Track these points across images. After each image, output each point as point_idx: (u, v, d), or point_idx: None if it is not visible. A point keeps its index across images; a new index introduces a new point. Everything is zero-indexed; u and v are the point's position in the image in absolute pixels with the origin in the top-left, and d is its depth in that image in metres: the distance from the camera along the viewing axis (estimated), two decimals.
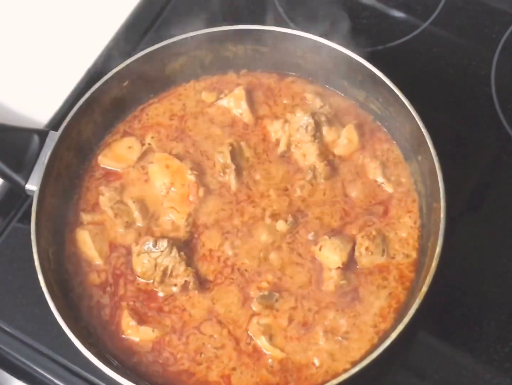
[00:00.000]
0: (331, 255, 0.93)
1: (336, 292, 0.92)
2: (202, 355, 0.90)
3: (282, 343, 0.90)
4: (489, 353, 0.94)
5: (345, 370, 0.83)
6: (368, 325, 0.90)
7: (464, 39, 1.16)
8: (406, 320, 0.83)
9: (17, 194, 1.03)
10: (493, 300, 0.97)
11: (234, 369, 0.89)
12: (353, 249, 0.94)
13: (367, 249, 0.94)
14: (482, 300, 0.97)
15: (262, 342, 0.90)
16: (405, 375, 0.95)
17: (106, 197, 0.99)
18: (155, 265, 0.92)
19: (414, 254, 0.94)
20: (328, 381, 0.82)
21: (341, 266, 0.93)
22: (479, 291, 0.98)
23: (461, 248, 0.99)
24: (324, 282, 0.93)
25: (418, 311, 0.84)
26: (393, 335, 0.82)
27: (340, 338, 0.89)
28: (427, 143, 0.93)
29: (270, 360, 0.89)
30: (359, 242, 0.94)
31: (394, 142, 1.02)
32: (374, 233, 0.95)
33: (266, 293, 0.92)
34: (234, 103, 1.06)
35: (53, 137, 0.97)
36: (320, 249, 0.94)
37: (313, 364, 0.89)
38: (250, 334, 0.91)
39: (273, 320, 0.91)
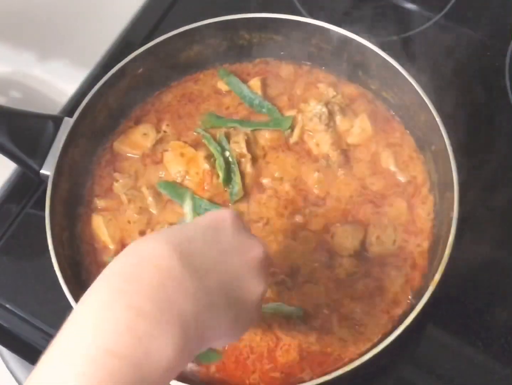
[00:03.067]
0: (343, 242, 0.93)
1: (349, 279, 0.92)
2: None
3: (295, 330, 0.90)
4: (500, 343, 0.93)
5: (358, 357, 0.83)
6: (382, 312, 0.90)
7: (478, 30, 1.16)
8: (418, 307, 0.83)
9: (31, 180, 1.04)
10: (505, 290, 0.97)
11: (249, 356, 0.89)
12: (365, 237, 0.94)
13: (378, 238, 0.94)
14: (494, 290, 0.97)
15: (276, 329, 0.90)
16: (413, 367, 0.94)
17: (120, 183, 0.99)
18: None
19: (426, 244, 0.94)
20: (340, 367, 0.82)
21: (352, 253, 0.93)
22: (490, 282, 0.98)
23: (473, 239, 0.99)
24: (335, 269, 0.93)
25: (428, 302, 0.84)
26: (407, 322, 0.82)
27: (354, 325, 0.90)
28: (441, 133, 0.93)
29: (285, 347, 0.89)
30: (371, 230, 0.95)
31: (408, 131, 1.02)
32: (385, 222, 0.95)
33: (279, 279, 0.92)
34: None
35: (68, 123, 0.97)
36: (332, 237, 0.94)
37: (327, 351, 0.89)
38: (265, 321, 0.90)
39: (286, 307, 0.91)
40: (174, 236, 0.62)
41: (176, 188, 0.98)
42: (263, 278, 0.67)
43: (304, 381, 0.82)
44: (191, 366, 0.89)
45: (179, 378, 0.82)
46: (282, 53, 1.08)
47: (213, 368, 0.89)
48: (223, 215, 0.68)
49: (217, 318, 0.61)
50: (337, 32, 1.01)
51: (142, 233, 0.96)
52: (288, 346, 0.89)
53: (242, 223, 0.70)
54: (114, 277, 0.59)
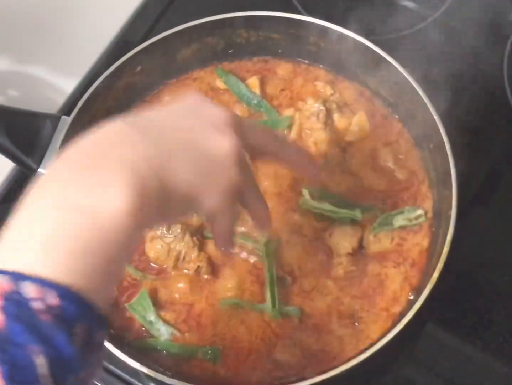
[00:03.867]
0: (340, 241, 0.93)
1: (347, 278, 0.92)
2: (216, 340, 0.90)
3: (295, 329, 0.90)
4: (499, 342, 0.93)
5: (356, 356, 0.83)
6: (381, 310, 0.90)
7: (475, 28, 1.16)
8: (417, 305, 0.83)
9: (29, 179, 1.04)
10: (504, 289, 0.97)
11: (249, 355, 0.89)
12: (362, 236, 0.94)
13: (375, 236, 0.94)
14: (493, 289, 0.97)
15: (275, 328, 0.90)
16: (412, 365, 0.94)
17: None
18: (168, 250, 0.92)
19: (425, 242, 0.94)
20: (340, 365, 0.82)
21: (350, 252, 0.93)
22: (489, 280, 0.98)
23: (471, 237, 0.99)
24: (333, 268, 0.93)
25: (427, 300, 0.84)
26: (405, 320, 0.82)
27: (353, 323, 0.90)
28: (439, 131, 0.93)
29: (285, 347, 0.89)
30: (368, 228, 0.94)
31: (406, 129, 1.02)
32: (384, 220, 0.95)
33: (279, 276, 0.92)
34: None
35: (66, 122, 0.97)
36: (330, 235, 0.94)
37: (326, 349, 0.89)
38: (264, 320, 0.91)
39: (285, 307, 0.91)
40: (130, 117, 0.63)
41: None
42: (229, 135, 0.65)
43: (305, 379, 0.81)
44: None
45: (182, 378, 0.83)
46: (280, 51, 1.08)
47: (217, 369, 0.89)
48: (185, 97, 0.68)
49: (178, 165, 0.60)
50: (335, 30, 1.01)
51: None
52: (288, 345, 0.89)
53: (209, 100, 0.68)
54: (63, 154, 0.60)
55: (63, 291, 0.52)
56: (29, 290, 0.51)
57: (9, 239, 0.55)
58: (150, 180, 0.57)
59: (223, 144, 0.64)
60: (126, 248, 0.57)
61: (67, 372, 0.52)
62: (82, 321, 0.53)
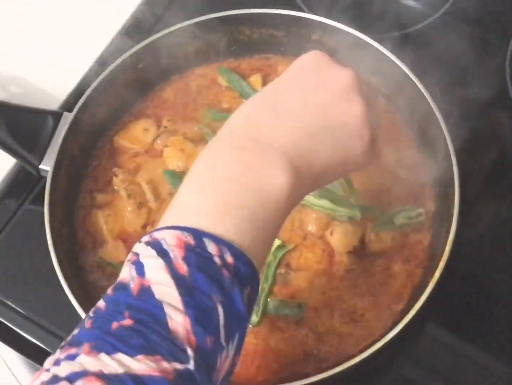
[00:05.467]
0: (342, 239, 0.93)
1: (350, 276, 0.92)
2: None
3: (296, 327, 0.90)
4: (500, 341, 0.93)
5: (358, 354, 0.83)
6: (384, 308, 0.90)
7: (478, 27, 1.16)
8: (418, 304, 0.83)
9: (30, 175, 1.04)
10: (505, 288, 0.97)
11: (254, 354, 0.88)
12: (364, 234, 0.94)
13: (377, 234, 0.94)
14: (494, 288, 0.97)
15: (277, 327, 0.90)
16: (412, 364, 0.94)
17: (119, 178, 0.99)
18: None
19: (427, 240, 0.94)
20: (341, 363, 0.82)
21: (352, 250, 0.93)
22: (491, 280, 0.98)
23: (473, 236, 0.98)
24: (335, 266, 0.93)
25: (429, 298, 0.84)
26: (407, 318, 0.82)
27: (355, 321, 0.90)
28: (441, 129, 0.93)
29: (287, 346, 0.89)
30: (369, 227, 0.94)
31: (408, 127, 1.02)
32: (385, 218, 0.95)
33: (282, 271, 0.92)
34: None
35: (67, 118, 0.97)
36: (331, 234, 0.94)
37: (328, 347, 0.89)
38: (266, 320, 0.90)
39: (287, 301, 0.91)
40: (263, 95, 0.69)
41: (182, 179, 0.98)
42: (356, 99, 0.68)
43: (307, 377, 0.81)
44: None
45: None
46: (282, 48, 1.08)
47: None
48: (304, 60, 0.71)
49: (318, 143, 0.65)
50: (337, 28, 1.01)
51: (142, 228, 0.96)
52: (290, 344, 0.89)
53: (325, 57, 0.71)
54: (216, 137, 0.67)
55: (236, 252, 0.57)
56: (210, 246, 0.56)
57: (185, 204, 0.61)
58: (299, 164, 0.63)
59: (353, 110, 0.68)
60: (280, 219, 0.64)
61: (237, 329, 0.57)
62: (251, 284, 0.58)
